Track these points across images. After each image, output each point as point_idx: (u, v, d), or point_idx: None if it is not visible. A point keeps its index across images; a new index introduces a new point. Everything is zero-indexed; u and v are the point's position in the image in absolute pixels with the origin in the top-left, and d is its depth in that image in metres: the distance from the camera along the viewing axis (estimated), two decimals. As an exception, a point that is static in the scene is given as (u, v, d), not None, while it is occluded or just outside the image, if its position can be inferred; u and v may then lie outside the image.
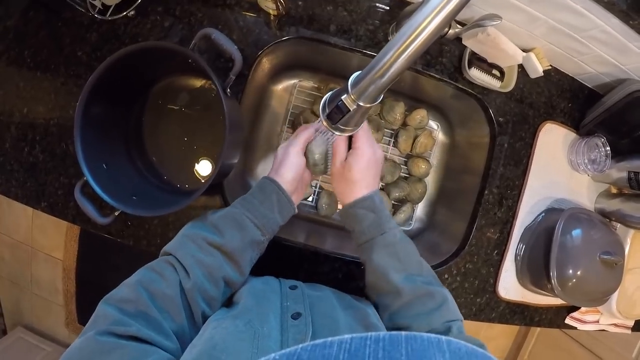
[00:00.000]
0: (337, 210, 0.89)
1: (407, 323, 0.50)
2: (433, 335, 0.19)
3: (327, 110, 0.47)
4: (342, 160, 0.54)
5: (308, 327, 0.41)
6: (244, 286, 0.51)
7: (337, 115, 0.45)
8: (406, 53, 0.38)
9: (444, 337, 0.19)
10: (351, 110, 0.44)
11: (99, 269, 1.78)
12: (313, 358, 0.18)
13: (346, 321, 0.44)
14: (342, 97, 0.44)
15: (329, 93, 0.48)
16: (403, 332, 0.19)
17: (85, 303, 1.81)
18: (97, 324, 0.39)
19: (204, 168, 0.74)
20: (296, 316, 0.43)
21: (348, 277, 0.76)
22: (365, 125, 0.54)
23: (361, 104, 0.43)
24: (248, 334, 0.38)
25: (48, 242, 1.79)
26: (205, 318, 0.44)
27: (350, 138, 0.55)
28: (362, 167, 0.53)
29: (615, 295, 0.82)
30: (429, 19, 0.36)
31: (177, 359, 0.38)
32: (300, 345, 0.19)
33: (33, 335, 1.83)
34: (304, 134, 0.55)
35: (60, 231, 1.75)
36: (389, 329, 0.48)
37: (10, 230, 1.81)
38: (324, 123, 0.49)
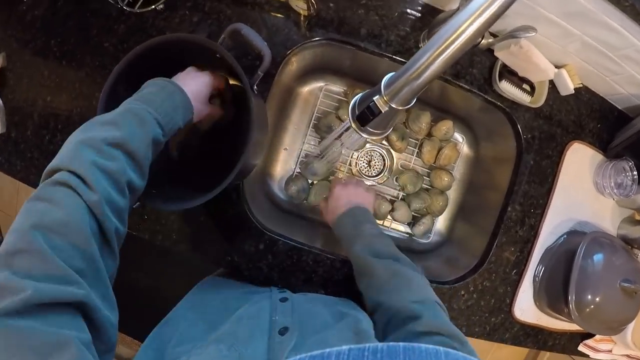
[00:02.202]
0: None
1: (381, 300, 0.54)
2: (431, 346, 0.20)
3: (357, 112, 0.46)
4: (325, 199, 0.74)
5: (293, 341, 0.41)
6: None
7: (367, 116, 0.44)
8: (443, 56, 0.38)
9: (442, 348, 0.19)
10: (382, 112, 0.43)
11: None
12: None
13: (339, 328, 0.44)
14: (374, 98, 0.43)
15: (360, 94, 0.47)
16: (401, 343, 0.19)
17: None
18: None
19: (222, 166, 0.73)
20: (283, 331, 0.42)
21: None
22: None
23: (393, 105, 0.43)
24: (232, 357, 0.37)
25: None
26: (118, 236, 0.40)
27: None
28: (333, 199, 0.70)
29: (631, 326, 0.79)
30: (468, 22, 0.36)
31: (87, 302, 0.32)
32: (298, 357, 0.19)
33: None
34: None
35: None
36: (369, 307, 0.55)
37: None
38: (353, 125, 0.48)
